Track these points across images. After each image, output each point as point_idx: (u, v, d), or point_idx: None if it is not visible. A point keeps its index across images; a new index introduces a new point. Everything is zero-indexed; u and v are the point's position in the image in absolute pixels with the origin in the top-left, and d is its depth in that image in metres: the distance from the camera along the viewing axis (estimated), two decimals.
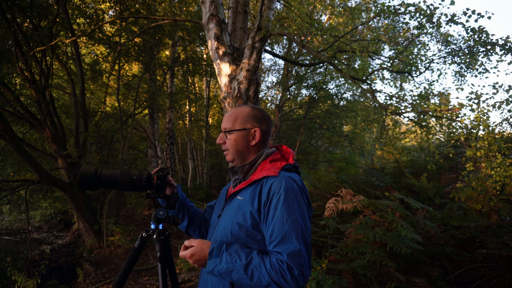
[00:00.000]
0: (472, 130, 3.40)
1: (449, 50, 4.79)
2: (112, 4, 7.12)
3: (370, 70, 5.15)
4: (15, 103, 5.95)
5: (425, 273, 2.89)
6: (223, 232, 1.12)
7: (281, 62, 13.60)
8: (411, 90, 9.59)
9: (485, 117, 3.31)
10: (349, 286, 2.62)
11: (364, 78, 4.60)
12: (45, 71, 5.97)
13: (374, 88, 4.68)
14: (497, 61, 3.91)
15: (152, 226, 1.28)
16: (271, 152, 1.22)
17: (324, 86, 11.03)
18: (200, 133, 12.98)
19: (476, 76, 4.64)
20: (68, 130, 7.81)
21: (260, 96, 8.56)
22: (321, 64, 7.82)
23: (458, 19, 3.75)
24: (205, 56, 11.21)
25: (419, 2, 4.01)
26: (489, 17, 3.60)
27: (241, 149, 1.20)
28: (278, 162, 1.17)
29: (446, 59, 4.76)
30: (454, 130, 3.70)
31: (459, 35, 5.80)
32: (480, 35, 3.85)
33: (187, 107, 13.05)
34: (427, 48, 4.69)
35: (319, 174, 5.11)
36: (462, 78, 5.10)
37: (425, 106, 3.97)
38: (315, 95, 10.78)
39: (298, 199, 1.05)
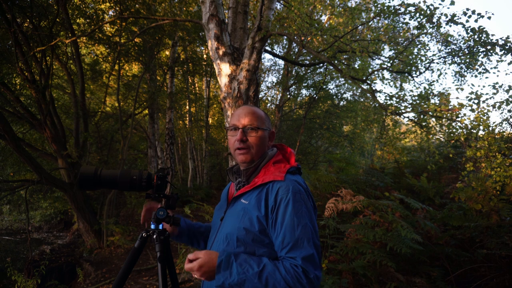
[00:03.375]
0: (472, 130, 3.40)
1: (449, 50, 4.79)
2: (112, 4, 7.12)
3: (370, 70, 5.15)
4: (15, 103, 5.95)
5: (425, 273, 2.89)
6: (228, 237, 1.10)
7: (281, 62, 13.61)
8: (411, 90, 9.60)
9: (485, 117, 3.31)
10: (349, 286, 2.62)
11: (364, 78, 4.60)
12: (45, 71, 5.97)
13: (374, 88, 4.68)
14: (497, 61, 3.91)
15: (152, 226, 1.28)
16: (273, 153, 1.23)
17: (324, 86, 11.03)
18: (200, 133, 12.98)
19: (476, 76, 4.64)
20: (68, 130, 7.80)
21: (260, 96, 8.56)
22: (321, 64, 7.82)
23: (458, 19, 3.75)
24: (205, 56, 11.21)
25: (419, 2, 4.01)
26: (489, 17, 3.60)
27: (263, 149, 1.20)
28: (282, 164, 1.18)
29: (446, 59, 4.76)
30: (454, 130, 3.70)
31: (459, 35, 5.79)
32: (480, 35, 3.85)
33: (187, 107, 13.06)
34: (427, 48, 4.69)
35: (319, 174, 5.11)
36: (462, 78, 5.10)
37: (425, 106, 3.97)
38: (315, 95, 10.78)
39: (305, 202, 1.05)
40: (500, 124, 3.70)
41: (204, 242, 1.40)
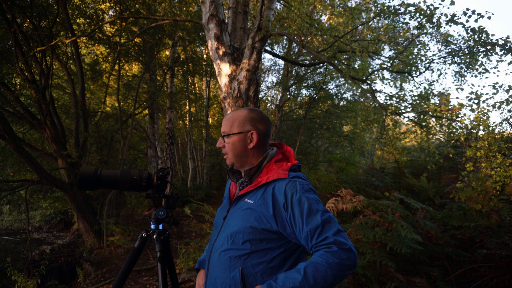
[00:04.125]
0: (472, 130, 3.40)
1: (449, 50, 4.79)
2: (112, 4, 7.12)
3: (370, 70, 5.15)
4: (15, 103, 5.95)
5: (425, 273, 2.89)
6: (233, 236, 1.11)
7: (281, 62, 13.62)
8: (411, 90, 9.60)
9: (485, 117, 3.31)
10: (349, 286, 2.62)
11: (364, 78, 4.60)
12: (45, 71, 5.97)
13: (374, 88, 4.68)
14: (497, 61, 3.91)
15: (152, 226, 1.28)
16: (273, 153, 1.24)
17: (324, 86, 11.04)
18: (200, 133, 12.99)
19: (476, 76, 4.64)
20: (68, 130, 7.80)
21: (260, 96, 8.56)
22: (321, 64, 7.82)
23: (458, 19, 3.75)
24: (205, 56, 11.21)
25: (419, 2, 4.01)
26: (489, 17, 3.60)
27: (239, 152, 1.20)
28: (283, 162, 1.20)
29: (446, 59, 4.76)
30: (454, 130, 3.70)
31: (459, 35, 5.79)
32: (480, 35, 3.85)
33: (187, 107, 13.06)
34: (427, 48, 4.69)
35: (319, 174, 5.11)
36: (462, 78, 5.10)
37: (425, 106, 3.97)
38: (315, 95, 10.79)
39: (314, 191, 1.11)
40: (500, 124, 3.70)
41: None
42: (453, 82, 7.87)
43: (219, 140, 1.25)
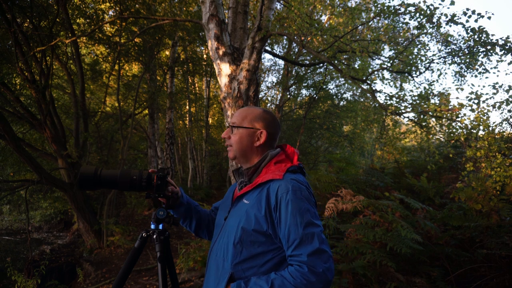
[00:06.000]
0: (472, 130, 3.40)
1: (449, 50, 4.79)
2: (112, 4, 7.12)
3: (370, 70, 5.15)
4: (15, 103, 5.95)
5: (425, 273, 2.89)
6: (228, 237, 1.12)
7: (281, 62, 13.62)
8: (411, 90, 9.60)
9: (485, 117, 3.30)
10: (349, 286, 2.62)
11: (364, 78, 4.60)
12: (45, 71, 5.97)
13: (374, 88, 4.68)
14: (497, 61, 3.91)
15: (152, 226, 1.28)
16: (275, 153, 1.22)
17: (324, 86, 11.03)
18: (200, 133, 12.98)
19: (476, 76, 4.64)
20: (68, 130, 7.81)
21: (260, 96, 8.56)
22: (321, 64, 7.81)
23: (458, 19, 3.75)
24: (205, 56, 11.21)
25: (419, 2, 4.01)
26: (489, 17, 3.60)
27: (244, 147, 1.20)
28: (283, 163, 1.17)
29: (446, 59, 4.75)
30: (454, 130, 3.70)
31: (459, 35, 5.79)
32: (480, 35, 3.85)
33: (187, 107, 13.06)
34: (427, 48, 4.68)
35: (319, 174, 5.10)
36: (462, 78, 5.10)
37: (425, 106, 3.97)
38: (315, 95, 10.78)
39: (307, 199, 1.05)
40: (500, 124, 3.70)
41: (196, 223, 1.41)
42: (453, 82, 7.87)
43: (226, 130, 1.23)
